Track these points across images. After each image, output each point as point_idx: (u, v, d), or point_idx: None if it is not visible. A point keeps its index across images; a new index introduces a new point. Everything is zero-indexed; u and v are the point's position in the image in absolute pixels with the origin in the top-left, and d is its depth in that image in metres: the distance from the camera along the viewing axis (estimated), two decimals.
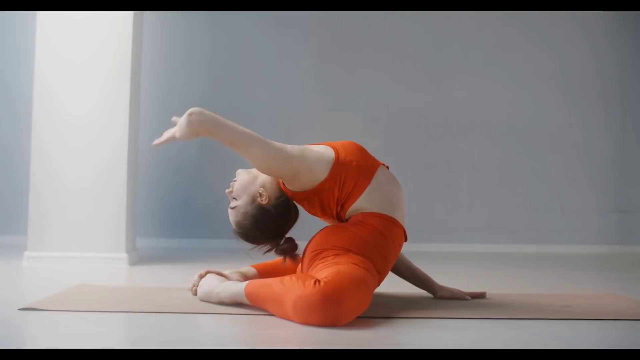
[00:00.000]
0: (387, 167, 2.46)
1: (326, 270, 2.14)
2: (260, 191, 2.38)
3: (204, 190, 5.39)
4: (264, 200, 2.37)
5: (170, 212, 5.40)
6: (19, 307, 2.22)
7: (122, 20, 3.92)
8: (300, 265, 2.44)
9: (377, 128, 5.53)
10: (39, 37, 3.89)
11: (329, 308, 1.96)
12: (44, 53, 3.89)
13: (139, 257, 4.17)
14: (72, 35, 3.89)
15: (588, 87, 5.69)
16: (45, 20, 3.88)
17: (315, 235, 2.37)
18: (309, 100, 5.55)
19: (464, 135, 5.62)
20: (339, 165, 2.33)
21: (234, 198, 2.41)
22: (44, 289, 2.73)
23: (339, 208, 2.37)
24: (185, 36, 5.53)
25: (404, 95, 5.60)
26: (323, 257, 2.25)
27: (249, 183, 2.40)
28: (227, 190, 2.44)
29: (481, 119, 5.63)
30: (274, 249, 2.42)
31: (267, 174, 2.35)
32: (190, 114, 2.20)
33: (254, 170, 2.43)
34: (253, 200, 2.38)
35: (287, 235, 2.44)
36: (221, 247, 5.12)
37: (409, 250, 3.00)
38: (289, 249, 2.41)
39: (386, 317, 2.17)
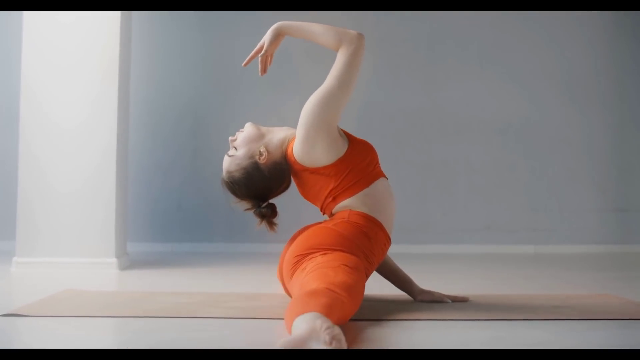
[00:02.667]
0: (387, 179, 2.45)
1: (317, 273, 2.07)
2: (261, 150, 2.38)
3: (197, 193, 5.33)
4: (262, 160, 2.37)
5: (163, 215, 5.34)
6: (2, 313, 2.17)
7: (110, 21, 3.86)
8: (278, 271, 2.44)
9: (373, 128, 5.47)
10: (25, 40, 3.84)
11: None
12: (30, 56, 3.83)
13: (130, 262, 4.12)
14: (59, 37, 3.84)
15: (586, 86, 5.65)
16: (32, 22, 3.83)
17: (296, 239, 2.33)
18: (304, 101, 5.47)
19: (461, 135, 5.57)
20: (346, 159, 2.34)
21: (234, 147, 2.42)
22: (33, 294, 2.68)
23: (329, 199, 2.37)
24: (176, 37, 5.47)
25: (400, 95, 5.56)
26: (311, 258, 2.21)
27: (254, 138, 2.41)
28: (230, 138, 2.45)
29: (478, 119, 5.58)
30: (254, 210, 2.42)
31: (309, 110, 2.40)
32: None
33: (264, 129, 2.45)
34: (252, 156, 2.38)
35: (271, 201, 2.45)
36: (216, 251, 5.07)
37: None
38: (267, 214, 2.41)
39: (377, 320, 2.13)
